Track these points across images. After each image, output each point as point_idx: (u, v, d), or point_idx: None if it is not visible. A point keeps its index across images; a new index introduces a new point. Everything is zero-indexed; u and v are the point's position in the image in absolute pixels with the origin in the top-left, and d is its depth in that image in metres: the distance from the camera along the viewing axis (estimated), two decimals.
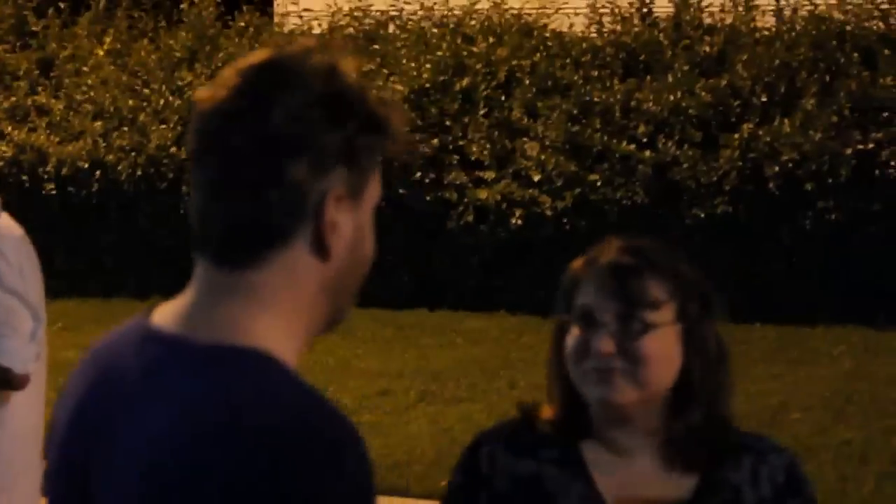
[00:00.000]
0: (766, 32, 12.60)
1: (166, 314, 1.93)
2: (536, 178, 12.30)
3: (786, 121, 11.68)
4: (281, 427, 1.75)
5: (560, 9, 13.49)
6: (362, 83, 1.92)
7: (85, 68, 15.34)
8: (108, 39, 15.51)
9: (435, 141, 12.86)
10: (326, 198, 1.88)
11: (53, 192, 14.39)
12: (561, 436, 2.61)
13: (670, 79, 12.27)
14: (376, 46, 13.93)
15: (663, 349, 2.48)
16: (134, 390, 1.87)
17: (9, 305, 4.55)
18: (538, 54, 13.06)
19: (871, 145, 11.37)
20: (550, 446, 2.61)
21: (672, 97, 12.08)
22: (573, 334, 2.52)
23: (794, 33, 12.43)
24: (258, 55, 1.92)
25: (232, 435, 1.73)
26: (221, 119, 1.88)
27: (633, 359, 2.46)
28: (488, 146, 12.65)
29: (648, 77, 12.52)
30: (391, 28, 14.40)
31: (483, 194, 12.43)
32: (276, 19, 16.11)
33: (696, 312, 2.51)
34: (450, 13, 14.03)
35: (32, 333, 4.60)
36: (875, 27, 12.36)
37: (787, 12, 12.77)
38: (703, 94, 12.02)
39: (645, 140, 12.06)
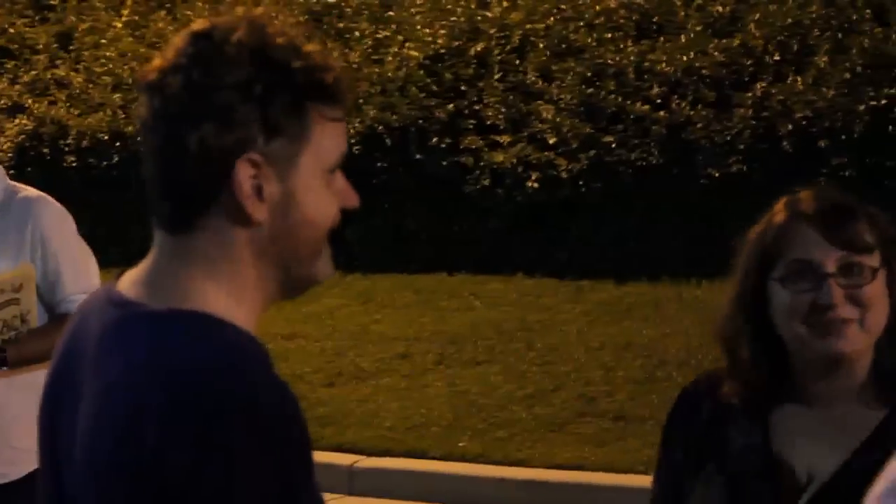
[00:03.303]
0: None
1: (128, 279, 2.08)
2: (552, 140, 12.24)
3: (798, 79, 11.60)
4: (197, 380, 1.86)
5: None
6: (290, 51, 1.95)
7: (103, 41, 15.33)
8: (125, 11, 15.52)
9: (450, 106, 12.81)
10: (237, 163, 1.92)
11: (74, 163, 14.38)
12: (752, 407, 2.55)
13: (683, 39, 12.22)
14: (391, 13, 13.90)
15: (882, 292, 2.49)
16: (93, 351, 2.00)
17: (89, 263, 4.68)
18: (552, 18, 13.01)
19: (883, 101, 11.28)
20: (739, 425, 2.57)
21: (685, 58, 12.03)
22: (786, 291, 2.47)
23: None
24: (190, 28, 2.01)
25: (162, 383, 1.86)
26: (146, 91, 1.98)
27: (861, 306, 2.46)
28: (503, 110, 12.60)
29: (661, 38, 12.47)
30: None
31: (499, 158, 12.38)
32: None
33: (893, 254, 2.53)
34: None
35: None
36: None
37: None
38: (716, 53, 11.96)
39: (659, 101, 12.00)
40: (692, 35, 12.21)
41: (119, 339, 1.97)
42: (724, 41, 12.05)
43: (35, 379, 4.48)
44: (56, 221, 4.62)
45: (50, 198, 4.69)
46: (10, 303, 4.43)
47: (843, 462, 2.46)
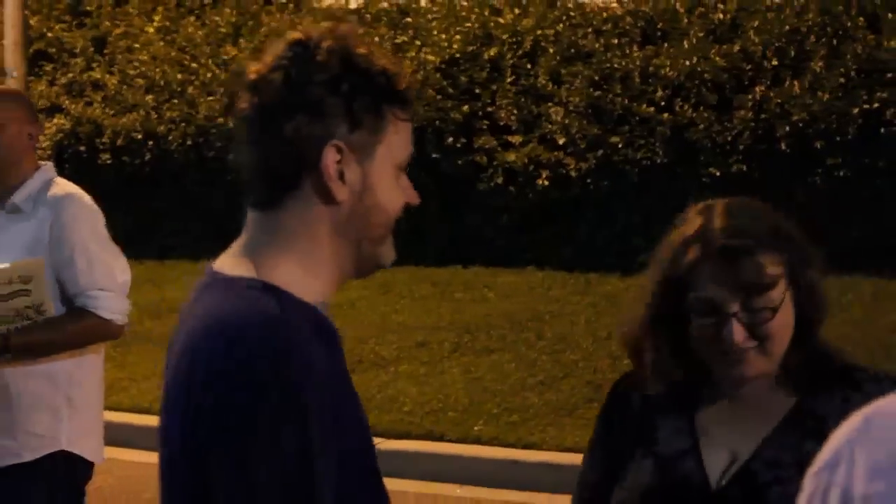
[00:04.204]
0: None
1: (222, 256, 2.24)
2: (561, 141, 12.29)
3: (796, 83, 11.63)
4: (232, 335, 2.04)
5: None
6: (371, 59, 2.18)
7: (136, 45, 15.39)
8: (157, 17, 15.54)
9: (465, 108, 12.86)
10: (324, 148, 2.12)
11: (109, 161, 14.47)
12: (676, 404, 2.58)
13: (686, 45, 12.23)
14: (409, 19, 13.93)
15: (786, 319, 2.47)
16: (184, 316, 2.22)
17: (107, 259, 4.64)
18: (561, 24, 13.02)
19: (876, 104, 11.30)
20: (665, 413, 2.58)
21: (688, 62, 12.05)
22: (698, 321, 2.47)
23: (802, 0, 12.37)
24: (287, 36, 2.21)
25: (208, 335, 2.08)
26: (248, 88, 2.18)
27: (763, 339, 2.44)
28: (515, 112, 12.65)
29: (665, 44, 12.47)
30: (423, 2, 14.36)
31: (511, 157, 12.44)
32: None
33: (800, 267, 2.48)
34: None
35: (125, 285, 4.68)
36: None
37: None
38: (718, 59, 11.98)
39: (663, 103, 12.04)
40: (695, 41, 12.22)
41: (197, 300, 2.19)
42: (725, 47, 12.07)
43: (50, 368, 4.58)
44: (76, 218, 4.60)
45: (79, 195, 4.69)
46: (19, 293, 4.44)
47: (760, 443, 2.49)
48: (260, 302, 2.08)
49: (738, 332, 2.43)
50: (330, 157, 2.14)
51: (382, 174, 2.21)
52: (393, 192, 2.24)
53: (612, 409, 2.66)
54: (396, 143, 2.21)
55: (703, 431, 2.52)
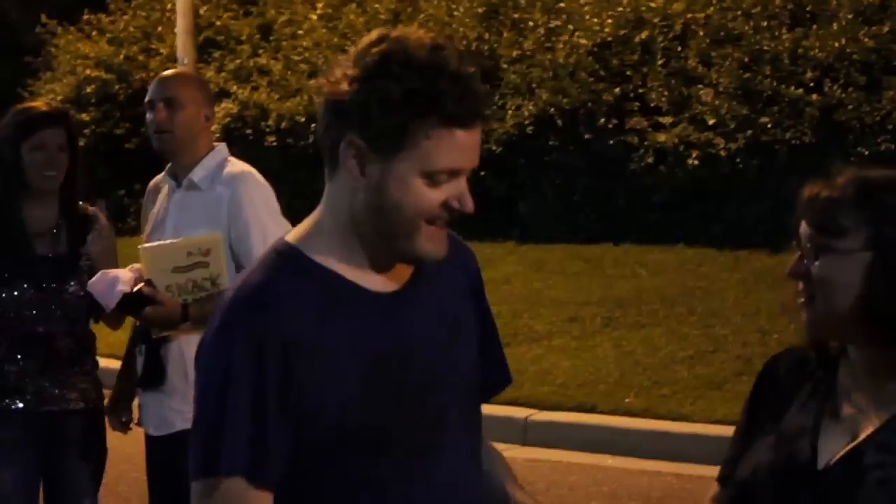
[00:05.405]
0: None
1: None
2: (711, 121, 12.21)
3: None
4: (226, 300, 2.39)
5: None
6: (420, 73, 2.28)
7: (300, 32, 15.60)
8: (320, 5, 15.75)
9: (617, 90, 12.84)
10: (341, 142, 2.32)
11: (274, 143, 14.68)
12: (812, 382, 2.54)
13: (835, 26, 12.06)
14: (562, 4, 13.89)
15: (841, 277, 2.37)
16: None
17: (280, 234, 4.68)
18: (711, 7, 12.90)
19: None
20: (800, 391, 2.54)
21: (837, 44, 11.87)
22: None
23: None
24: (370, 36, 2.38)
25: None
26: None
27: (809, 278, 2.39)
28: (666, 93, 12.59)
29: (814, 26, 12.31)
30: None
31: (662, 138, 12.39)
32: None
33: (891, 242, 2.36)
34: None
35: None
36: None
37: None
38: (867, 39, 11.79)
39: (812, 84, 11.89)
40: (844, 22, 12.05)
41: None
42: (874, 28, 11.88)
43: None
44: (251, 195, 4.67)
45: (253, 173, 4.76)
46: (198, 265, 4.54)
47: (877, 427, 2.39)
48: (265, 268, 2.38)
49: (796, 263, 2.43)
50: (344, 151, 2.32)
51: (401, 178, 2.30)
52: (412, 196, 2.31)
53: (757, 385, 2.62)
54: (430, 151, 2.29)
55: (832, 411, 2.44)
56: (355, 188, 2.33)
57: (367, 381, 2.33)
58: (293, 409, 2.29)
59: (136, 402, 4.97)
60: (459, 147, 2.30)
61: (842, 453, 2.38)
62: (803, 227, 2.44)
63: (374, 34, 2.34)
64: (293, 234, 2.43)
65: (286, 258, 2.39)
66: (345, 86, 2.29)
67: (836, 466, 2.38)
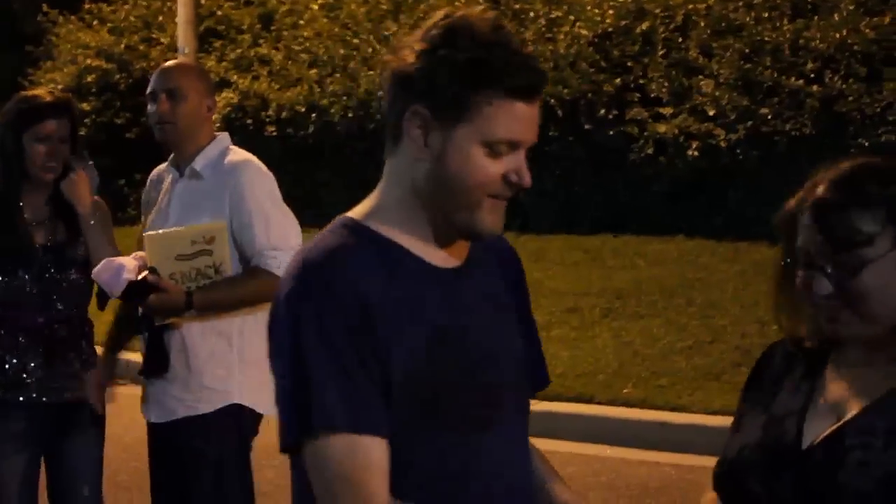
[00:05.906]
0: None
1: None
2: (711, 112, 12.21)
3: None
4: (295, 265, 2.38)
5: None
6: (480, 46, 2.33)
7: (301, 21, 15.60)
8: None
9: (617, 80, 12.84)
10: (405, 112, 2.35)
11: (274, 133, 14.69)
12: (804, 367, 2.54)
13: (836, 18, 12.05)
14: None
15: (884, 281, 2.32)
16: None
17: (282, 221, 4.74)
18: None
19: None
20: (792, 375, 2.55)
21: (838, 35, 11.87)
22: (798, 274, 2.41)
23: None
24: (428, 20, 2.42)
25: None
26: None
27: (852, 297, 2.33)
28: (666, 84, 12.59)
29: (816, 17, 12.31)
30: None
31: (662, 128, 12.39)
32: None
33: None
34: None
35: (298, 246, 4.77)
36: None
37: None
38: (868, 31, 11.78)
39: (812, 75, 11.89)
40: (845, 13, 12.04)
41: None
42: (876, 19, 11.87)
43: (225, 325, 4.70)
44: (252, 183, 4.69)
45: (254, 161, 4.78)
46: (202, 253, 4.56)
47: (861, 409, 2.40)
48: (332, 235, 2.39)
49: (822, 286, 2.35)
50: (409, 121, 2.36)
51: (463, 146, 2.34)
52: (472, 166, 2.35)
53: (754, 372, 2.64)
54: (491, 120, 2.33)
55: (820, 395, 2.46)
56: (418, 160, 2.37)
57: (431, 349, 2.34)
58: (374, 369, 2.28)
59: (136, 393, 4.99)
60: (520, 119, 2.35)
61: (825, 434, 2.41)
62: (806, 241, 2.39)
63: (440, 13, 2.39)
64: (356, 211, 2.46)
65: (352, 230, 2.41)
66: (412, 58, 2.35)
67: (818, 447, 2.41)
